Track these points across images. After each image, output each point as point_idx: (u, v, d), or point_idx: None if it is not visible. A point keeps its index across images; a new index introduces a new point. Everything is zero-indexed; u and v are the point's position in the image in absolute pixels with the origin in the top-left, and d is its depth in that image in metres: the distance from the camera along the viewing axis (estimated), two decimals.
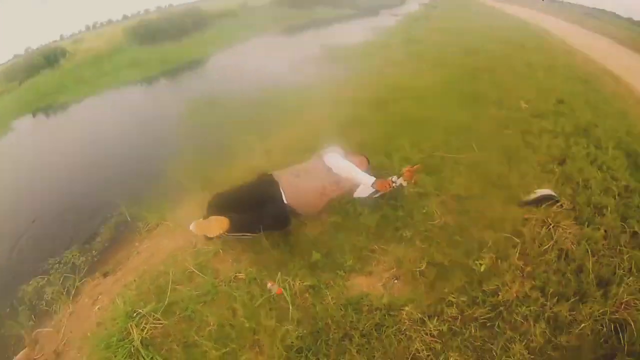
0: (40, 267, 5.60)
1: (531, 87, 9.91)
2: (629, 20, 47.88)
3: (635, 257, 4.10)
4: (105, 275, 5.18)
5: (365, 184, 4.64)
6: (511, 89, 9.69)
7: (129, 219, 6.15)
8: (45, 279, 5.37)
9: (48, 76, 21.96)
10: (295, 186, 4.57)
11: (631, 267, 3.93)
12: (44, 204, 7.65)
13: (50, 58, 24.27)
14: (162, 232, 5.62)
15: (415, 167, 4.73)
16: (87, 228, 6.32)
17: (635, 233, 4.57)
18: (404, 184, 4.69)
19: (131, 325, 3.68)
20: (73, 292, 4.98)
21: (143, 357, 3.43)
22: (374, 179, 4.60)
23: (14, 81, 24.45)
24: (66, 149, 10.74)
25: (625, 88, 12.57)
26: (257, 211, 4.38)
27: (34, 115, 16.15)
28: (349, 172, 4.67)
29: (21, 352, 4.42)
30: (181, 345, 3.54)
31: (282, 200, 4.50)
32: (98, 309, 4.70)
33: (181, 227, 5.29)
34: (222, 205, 4.64)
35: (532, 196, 5.01)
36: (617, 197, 5.28)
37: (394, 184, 4.63)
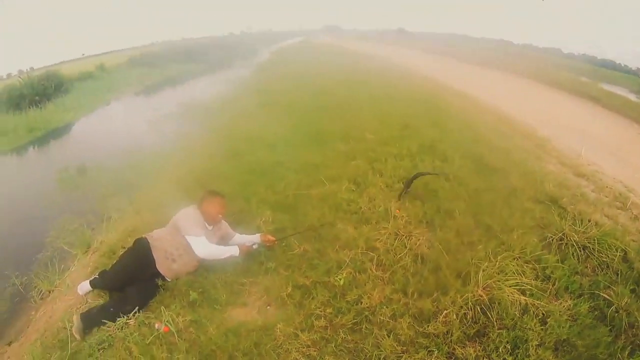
0: None
1: (376, 119, 10.63)
2: (482, 39, 51.52)
3: (489, 245, 4.69)
4: (9, 344, 5.19)
5: (234, 254, 4.88)
6: (356, 123, 10.35)
7: (22, 290, 6.08)
8: None
9: None
10: (167, 267, 4.82)
11: (487, 255, 4.43)
12: None
13: None
14: (55, 297, 5.66)
15: (272, 238, 5.16)
16: None
17: (488, 226, 5.22)
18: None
19: None
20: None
21: None
22: (237, 248, 4.91)
23: None
24: None
25: (471, 101, 13.82)
26: (132, 290, 4.65)
27: None
28: (218, 255, 4.90)
29: None
30: None
31: (155, 271, 4.80)
32: None
33: (71, 289, 5.43)
34: (105, 283, 5.00)
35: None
36: (467, 200, 5.92)
37: (254, 246, 5.07)
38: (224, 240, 5.30)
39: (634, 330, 3.83)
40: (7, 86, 23.26)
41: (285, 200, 6.42)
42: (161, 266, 4.84)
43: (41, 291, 5.88)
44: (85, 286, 5.16)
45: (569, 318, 3.86)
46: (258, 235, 5.26)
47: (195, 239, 4.85)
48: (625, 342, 3.67)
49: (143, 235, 5.04)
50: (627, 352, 3.53)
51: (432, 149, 7.89)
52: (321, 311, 4.04)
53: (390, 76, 18.85)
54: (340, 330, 3.78)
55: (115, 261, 5.10)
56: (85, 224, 7.08)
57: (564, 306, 4.00)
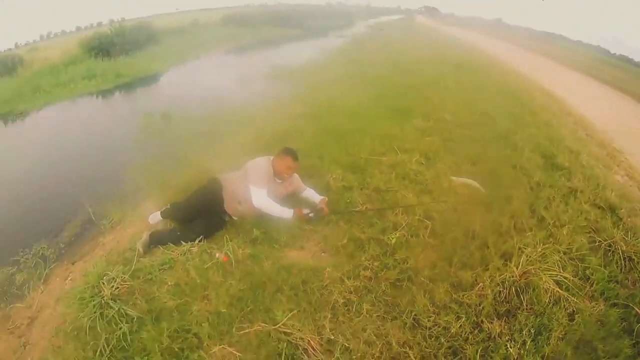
0: (10, 258, 5.89)
1: (458, 102, 10.77)
2: (578, 42, 49.63)
3: (539, 235, 4.79)
4: (73, 263, 5.58)
5: (285, 216, 5.06)
6: (439, 104, 10.54)
7: (93, 218, 6.49)
8: (15, 267, 5.69)
9: (5, 83, 21.12)
10: (234, 208, 5.22)
11: (534, 243, 4.54)
12: (10, 203, 7.87)
13: (7, 66, 23.87)
14: (125, 226, 6.08)
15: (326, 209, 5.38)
16: (54, 225, 6.62)
17: (541, 217, 5.34)
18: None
19: (102, 284, 4.18)
20: (44, 276, 5.36)
21: (112, 308, 3.92)
22: (292, 212, 5.08)
23: None
24: (30, 154, 10.79)
25: (556, 102, 13.62)
26: (200, 222, 5.08)
27: None
28: (271, 210, 5.07)
29: None
30: (144, 299, 4.05)
31: (222, 209, 5.23)
32: (70, 280, 5.21)
33: (142, 219, 5.85)
34: (175, 214, 5.45)
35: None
36: (527, 189, 6.06)
37: (310, 214, 5.28)
38: (295, 195, 5.58)
39: None
40: (98, 33, 23.83)
41: (357, 163, 6.71)
42: (228, 206, 5.26)
43: (112, 220, 6.31)
44: (156, 216, 5.58)
45: (597, 321, 3.87)
46: (321, 198, 5.48)
47: (255, 190, 5.07)
48: None
49: (216, 176, 5.42)
50: None
51: (505, 138, 8.02)
52: (369, 263, 4.33)
53: (480, 65, 18.78)
54: (383, 283, 4.05)
55: (188, 195, 5.47)
56: (163, 165, 7.45)
57: (595, 309, 4.02)
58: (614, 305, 4.09)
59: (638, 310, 4.01)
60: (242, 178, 5.24)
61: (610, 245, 4.98)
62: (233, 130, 8.70)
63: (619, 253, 4.85)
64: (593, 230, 5.31)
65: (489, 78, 14.92)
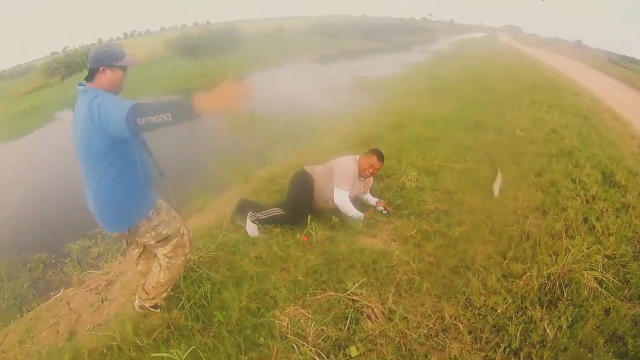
0: (89, 232, 6.63)
1: (530, 119, 11.04)
2: None
3: (587, 240, 5.09)
4: None
5: (358, 219, 5.38)
6: (512, 120, 10.87)
7: (174, 204, 7.14)
8: (93, 241, 6.42)
9: None
10: (320, 207, 5.57)
11: (582, 245, 4.77)
12: None
13: None
14: (206, 212, 6.64)
15: (384, 202, 5.89)
16: None
17: (592, 226, 5.62)
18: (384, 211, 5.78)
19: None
20: (122, 250, 6.02)
21: (196, 271, 4.44)
22: (363, 216, 5.44)
23: (55, 76, 25.28)
24: None
25: (623, 125, 13.65)
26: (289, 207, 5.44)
27: (73, 111, 16.88)
28: (348, 212, 5.36)
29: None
30: (227, 267, 4.63)
31: (312, 202, 5.52)
32: None
33: (225, 206, 6.35)
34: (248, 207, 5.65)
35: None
36: (583, 202, 6.35)
37: (384, 211, 5.76)
38: (364, 194, 5.97)
39: None
40: (184, 35, 24.56)
41: (431, 167, 7.15)
42: (315, 205, 5.54)
43: (194, 206, 6.85)
44: (254, 230, 5.42)
45: (632, 320, 4.01)
46: (376, 200, 5.93)
47: (338, 191, 5.32)
48: None
49: (305, 169, 5.62)
50: None
51: (569, 155, 8.27)
52: (433, 251, 4.78)
53: (554, 85, 18.76)
54: (443, 268, 4.48)
55: (288, 194, 5.63)
56: (247, 160, 7.91)
57: (631, 310, 4.17)
58: None
59: None
60: (329, 176, 5.47)
61: None
62: (316, 134, 9.13)
63: None
64: (639, 242, 5.50)
65: (562, 98, 14.93)
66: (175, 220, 3.76)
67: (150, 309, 3.96)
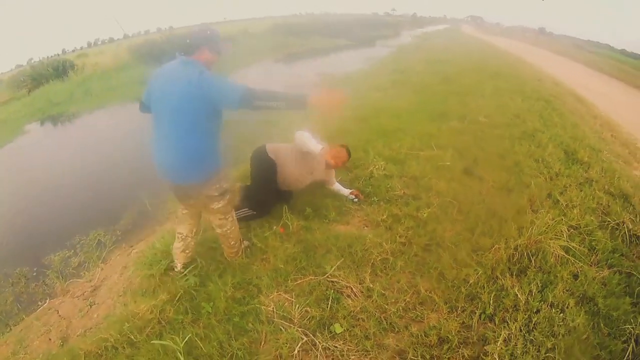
0: (67, 242, 6.64)
1: (493, 107, 11.39)
2: (622, 51, 48.89)
3: (552, 213, 5.37)
4: (131, 247, 6.26)
5: (314, 150, 4.95)
6: (475, 108, 11.15)
7: (149, 208, 7.22)
8: (72, 251, 6.41)
9: (57, 87, 22.22)
10: (303, 180, 5.52)
11: (547, 219, 4.98)
12: (66, 194, 8.73)
13: (59, 70, 24.56)
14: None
15: (360, 195, 6.04)
16: (110, 214, 7.33)
17: (556, 200, 5.93)
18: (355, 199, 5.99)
19: (170, 249, 4.81)
20: (103, 258, 6.09)
21: (180, 272, 4.60)
22: (321, 146, 4.96)
23: (21, 89, 25.14)
24: (85, 152, 11.82)
25: (586, 107, 14.22)
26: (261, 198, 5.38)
27: (42, 123, 17.01)
28: (303, 142, 5.05)
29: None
30: (208, 263, 4.75)
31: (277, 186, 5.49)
32: (135, 252, 5.95)
33: None
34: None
35: None
36: (547, 179, 6.66)
37: (355, 200, 5.95)
38: (325, 185, 6.06)
39: None
40: (148, 41, 24.50)
41: (397, 156, 7.37)
42: (287, 187, 5.56)
43: (170, 211, 6.93)
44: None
45: (600, 283, 4.30)
46: (349, 190, 6.03)
47: (299, 131, 5.16)
48: None
49: (268, 151, 5.42)
50: None
51: (531, 137, 8.58)
52: (404, 232, 5.01)
53: (517, 73, 19.21)
54: (415, 247, 4.74)
55: (251, 185, 5.48)
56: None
57: (599, 274, 4.45)
58: (618, 272, 4.51)
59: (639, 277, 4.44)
60: (296, 153, 5.39)
61: (618, 225, 5.42)
62: (285, 132, 9.24)
63: (625, 231, 5.27)
64: (603, 213, 5.77)
65: (525, 85, 15.32)
66: (229, 177, 4.17)
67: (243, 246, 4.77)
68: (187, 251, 4.61)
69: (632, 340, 3.62)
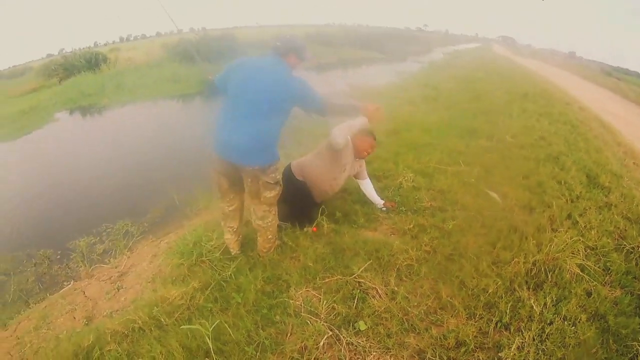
0: (93, 229, 6.95)
1: (520, 127, 11.56)
2: None
3: (570, 233, 5.57)
4: (160, 239, 6.49)
5: (361, 125, 4.85)
6: (502, 127, 11.32)
7: (177, 204, 7.54)
8: (98, 238, 6.73)
9: (89, 78, 22.67)
10: (332, 184, 5.57)
11: (565, 237, 5.26)
12: (94, 184, 9.05)
13: (91, 61, 25.17)
14: (212, 210, 6.98)
15: (391, 203, 6.29)
16: (139, 207, 7.62)
17: (576, 221, 6.13)
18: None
19: (202, 240, 5.23)
20: (129, 247, 6.41)
21: (210, 261, 4.98)
22: (364, 120, 4.81)
23: (52, 78, 25.42)
24: (115, 145, 12.12)
25: (611, 133, 14.26)
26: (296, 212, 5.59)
27: (71, 113, 17.56)
28: (350, 128, 4.84)
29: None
30: (240, 255, 5.08)
31: (314, 200, 5.70)
32: (165, 242, 6.23)
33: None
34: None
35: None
36: (568, 201, 6.85)
37: (383, 208, 6.18)
38: (358, 177, 6.10)
39: None
40: (183, 40, 24.47)
41: (426, 170, 7.59)
42: (320, 198, 5.74)
43: (198, 207, 7.27)
44: None
45: (612, 302, 4.48)
46: (382, 202, 6.21)
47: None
48: None
49: (293, 172, 5.56)
50: None
51: (556, 159, 8.75)
52: (429, 241, 5.27)
53: (545, 95, 19.29)
54: (439, 256, 4.99)
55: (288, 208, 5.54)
56: None
57: (611, 293, 4.66)
58: (630, 293, 4.68)
59: None
60: (323, 158, 5.42)
61: (633, 249, 5.57)
62: (315, 138, 9.37)
63: (639, 255, 5.44)
64: (620, 236, 5.95)
65: (552, 107, 15.42)
66: (282, 171, 4.82)
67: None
68: (239, 239, 5.11)
69: (638, 358, 3.81)
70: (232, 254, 5.06)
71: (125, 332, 4.08)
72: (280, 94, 4.05)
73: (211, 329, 3.66)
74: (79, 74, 24.41)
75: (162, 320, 4.09)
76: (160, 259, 5.61)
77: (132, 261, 6.00)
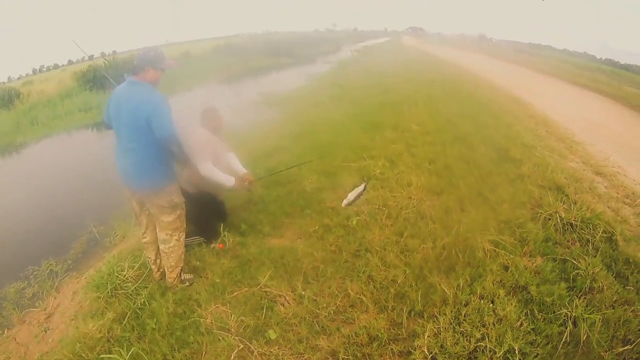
0: (20, 273, 6.61)
1: (426, 114, 11.71)
2: (564, 51, 49.94)
3: (481, 210, 5.66)
4: (82, 274, 6.24)
5: (227, 184, 5.12)
6: (408, 116, 11.46)
7: (97, 237, 7.29)
8: (26, 282, 6.41)
9: (3, 116, 21.33)
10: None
11: (476, 217, 5.37)
12: (16, 225, 8.56)
13: (4, 99, 24.24)
14: (128, 239, 6.92)
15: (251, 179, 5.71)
16: (60, 245, 7.30)
17: (486, 198, 6.13)
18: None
19: (116, 273, 5.02)
20: (55, 287, 6.13)
21: (126, 288, 4.84)
22: (233, 179, 5.17)
23: None
24: (32, 182, 11.47)
25: (522, 107, 14.65)
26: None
27: None
28: (216, 177, 5.08)
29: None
30: (150, 281, 4.99)
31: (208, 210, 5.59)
32: (84, 277, 6.01)
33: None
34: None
35: (349, 199, 6.47)
36: (477, 178, 6.85)
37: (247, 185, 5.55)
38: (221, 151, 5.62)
39: (595, 294, 4.28)
40: (92, 66, 24.31)
41: (330, 169, 7.54)
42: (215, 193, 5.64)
43: (116, 236, 7.12)
44: None
45: (533, 272, 4.52)
46: (245, 172, 5.57)
47: (201, 164, 5.01)
48: (583, 300, 4.09)
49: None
50: (581, 308, 3.95)
51: (463, 140, 8.84)
52: (334, 241, 5.24)
53: (452, 80, 19.81)
54: (344, 254, 4.96)
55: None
56: None
57: (531, 263, 4.70)
58: (552, 260, 4.76)
59: (573, 261, 4.69)
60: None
61: (550, 215, 5.64)
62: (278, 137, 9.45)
63: (557, 220, 5.49)
64: (535, 205, 6.03)
65: (459, 91, 15.88)
66: (181, 195, 4.60)
67: (182, 277, 4.91)
68: (160, 270, 4.99)
69: (570, 322, 3.84)
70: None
71: None
72: (141, 115, 4.02)
73: (127, 357, 3.70)
74: None
75: (84, 356, 4.01)
76: (80, 295, 5.47)
77: (58, 300, 5.83)
